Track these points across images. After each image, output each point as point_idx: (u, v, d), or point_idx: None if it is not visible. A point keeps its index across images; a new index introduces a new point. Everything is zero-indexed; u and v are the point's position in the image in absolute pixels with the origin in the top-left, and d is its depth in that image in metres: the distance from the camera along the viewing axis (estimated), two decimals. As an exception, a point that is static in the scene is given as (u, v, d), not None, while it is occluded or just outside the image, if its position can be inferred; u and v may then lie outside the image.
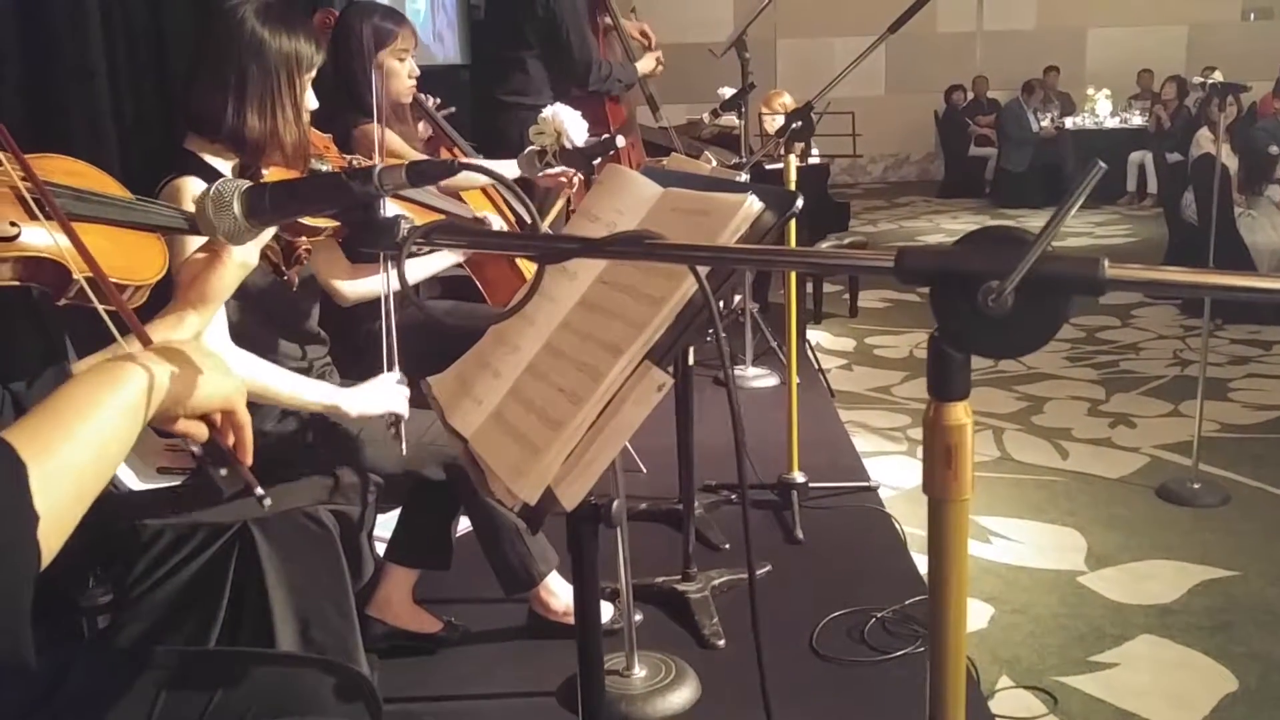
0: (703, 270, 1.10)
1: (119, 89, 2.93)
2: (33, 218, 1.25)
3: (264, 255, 1.59)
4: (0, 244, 1.25)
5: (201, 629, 2.05)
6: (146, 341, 1.16)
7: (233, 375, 1.08)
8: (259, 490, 1.09)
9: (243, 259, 1.45)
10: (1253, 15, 13.60)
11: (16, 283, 1.29)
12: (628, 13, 5.13)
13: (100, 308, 1.21)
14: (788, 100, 5.98)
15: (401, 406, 2.25)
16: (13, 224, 1.26)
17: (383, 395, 2.23)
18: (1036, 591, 3.21)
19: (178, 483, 2.25)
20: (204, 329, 1.47)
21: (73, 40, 2.75)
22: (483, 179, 3.00)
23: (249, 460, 1.10)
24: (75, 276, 1.26)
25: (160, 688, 1.40)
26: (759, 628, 1.43)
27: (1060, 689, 2.70)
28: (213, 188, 1.06)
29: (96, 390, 0.96)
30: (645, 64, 4.73)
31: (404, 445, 2.27)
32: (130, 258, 1.38)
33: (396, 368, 2.29)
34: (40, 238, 1.27)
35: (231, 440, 1.09)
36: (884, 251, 0.90)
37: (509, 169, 3.04)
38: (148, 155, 3.00)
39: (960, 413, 0.91)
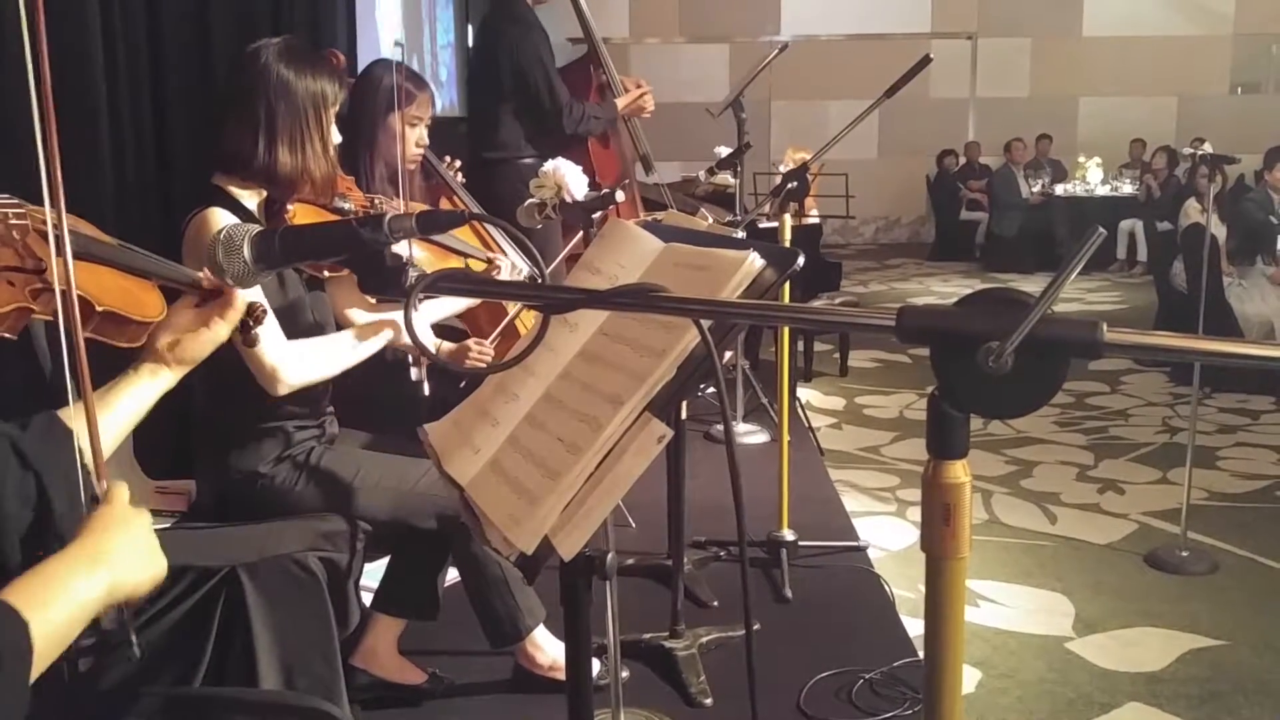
0: (705, 324, 1.11)
1: (119, 124, 2.95)
2: (58, 255, 1.38)
3: None
4: (32, 275, 1.39)
5: (185, 674, 2.02)
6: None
7: (161, 560, 1.25)
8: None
9: (219, 334, 1.63)
10: (1239, 89, 13.83)
11: (50, 318, 1.41)
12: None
13: (94, 341, 1.38)
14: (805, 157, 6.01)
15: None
16: (41, 259, 1.40)
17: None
18: (1024, 656, 3.20)
19: (166, 525, 2.24)
20: (172, 386, 1.62)
21: (78, 80, 2.78)
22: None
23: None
24: (96, 309, 1.42)
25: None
26: (746, 687, 1.42)
27: (1048, 755, 2.69)
28: (223, 232, 1.07)
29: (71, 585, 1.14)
30: (625, 100, 4.69)
31: (426, 386, 2.44)
32: (136, 296, 1.54)
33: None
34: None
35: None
36: (885, 310, 0.91)
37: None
38: (143, 197, 3.04)
39: (959, 471, 0.92)
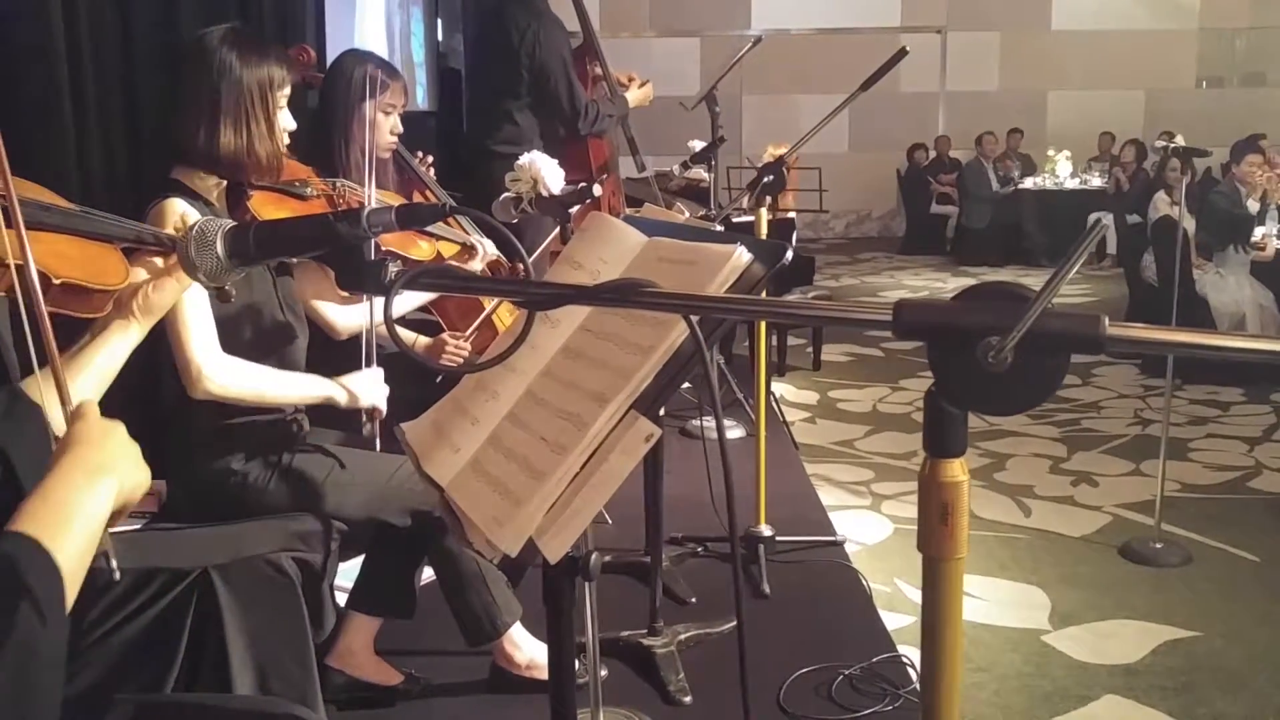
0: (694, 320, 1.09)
1: (85, 122, 2.90)
2: (9, 226, 1.30)
3: None
4: None
5: (157, 677, 1.98)
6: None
7: (144, 468, 1.19)
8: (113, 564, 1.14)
9: (184, 283, 1.53)
10: (1205, 82, 13.96)
11: (2, 294, 1.34)
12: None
13: (50, 314, 1.27)
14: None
15: (382, 400, 2.39)
16: None
17: (367, 388, 2.37)
18: (1000, 650, 3.20)
19: (138, 526, 2.20)
20: (142, 338, 1.56)
21: (41, 65, 2.73)
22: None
23: None
24: (54, 282, 1.34)
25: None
26: (726, 683, 1.40)
27: (1027, 749, 2.68)
28: (196, 226, 1.04)
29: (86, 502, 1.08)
30: (634, 95, 4.73)
31: (378, 442, 2.37)
32: (97, 264, 1.47)
33: (375, 363, 2.42)
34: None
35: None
36: (882, 305, 0.89)
37: None
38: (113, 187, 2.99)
39: (957, 469, 0.90)
